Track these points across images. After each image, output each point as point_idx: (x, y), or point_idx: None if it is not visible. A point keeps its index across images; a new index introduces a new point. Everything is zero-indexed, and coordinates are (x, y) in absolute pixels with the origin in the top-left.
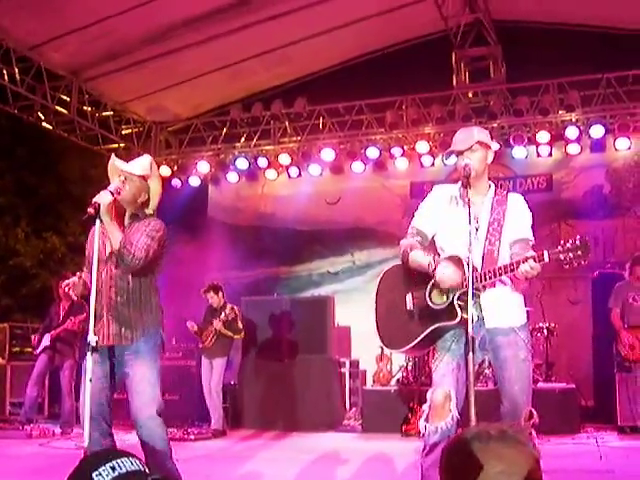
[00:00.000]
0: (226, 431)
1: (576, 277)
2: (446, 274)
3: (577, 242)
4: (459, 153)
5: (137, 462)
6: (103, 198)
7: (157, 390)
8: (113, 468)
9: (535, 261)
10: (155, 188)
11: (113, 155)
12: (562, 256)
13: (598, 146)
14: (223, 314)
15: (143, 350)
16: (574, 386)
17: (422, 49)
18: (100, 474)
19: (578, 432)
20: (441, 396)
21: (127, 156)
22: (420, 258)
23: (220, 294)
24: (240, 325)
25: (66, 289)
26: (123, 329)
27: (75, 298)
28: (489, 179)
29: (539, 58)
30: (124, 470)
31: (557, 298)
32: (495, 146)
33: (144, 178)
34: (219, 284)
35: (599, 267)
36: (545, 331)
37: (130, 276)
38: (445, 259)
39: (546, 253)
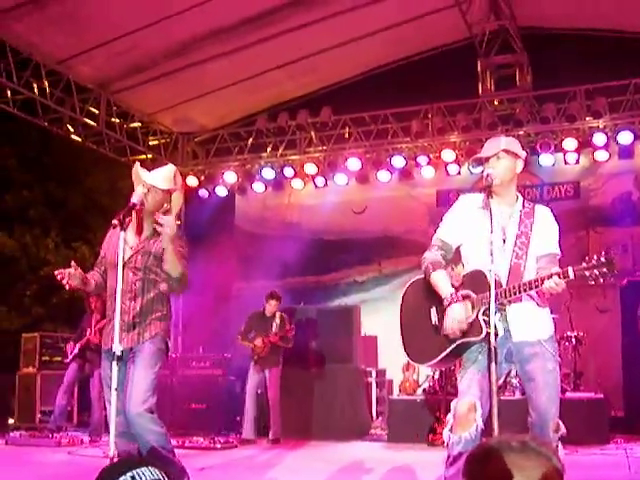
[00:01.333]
0: (281, 440)
1: (605, 285)
2: (451, 324)
3: (602, 258)
4: (484, 160)
5: (156, 471)
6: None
7: (150, 393)
8: (133, 477)
9: (560, 277)
10: (177, 198)
11: (137, 163)
12: (587, 272)
13: (626, 152)
14: (275, 325)
15: (145, 351)
16: (603, 396)
17: (447, 57)
18: None
19: (607, 443)
20: (465, 406)
21: (155, 167)
22: (440, 285)
23: (277, 302)
24: (292, 335)
25: (58, 277)
26: (132, 332)
27: (68, 287)
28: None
29: (566, 64)
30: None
31: (585, 306)
32: (524, 154)
33: (168, 191)
34: (279, 293)
35: (628, 275)
36: (573, 340)
37: (151, 284)
38: (462, 297)
39: (571, 270)
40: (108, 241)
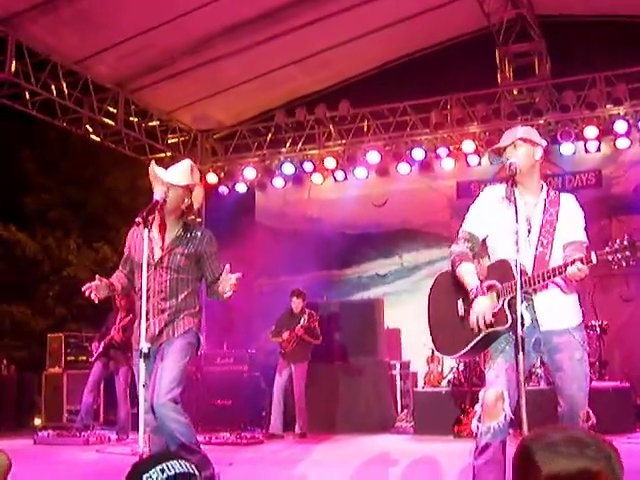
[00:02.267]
0: (307, 434)
1: (628, 274)
2: (477, 317)
3: (625, 242)
4: (502, 150)
5: (186, 464)
6: None
7: (175, 384)
8: (162, 470)
9: (582, 263)
10: (197, 193)
11: (153, 163)
12: (610, 257)
13: None
14: (303, 320)
15: (177, 344)
16: (628, 384)
17: (465, 47)
18: (150, 476)
19: (634, 431)
20: (493, 396)
21: (172, 165)
22: (466, 278)
23: (301, 299)
24: (319, 330)
25: (87, 293)
26: (166, 329)
27: (96, 301)
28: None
29: (584, 52)
30: (172, 472)
31: (609, 296)
32: (543, 143)
33: (187, 187)
34: (302, 290)
35: None
36: (598, 329)
37: (183, 283)
38: (487, 287)
39: (594, 255)
40: (133, 240)
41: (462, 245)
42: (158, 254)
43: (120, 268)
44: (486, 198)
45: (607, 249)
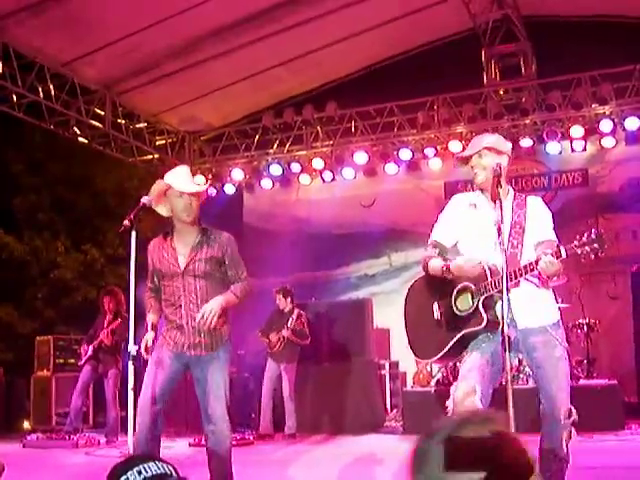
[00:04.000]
0: (296, 435)
1: (615, 272)
2: (459, 264)
3: (592, 235)
4: (467, 158)
5: (163, 465)
6: None
7: (228, 394)
8: (139, 472)
9: (553, 256)
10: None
11: (165, 179)
12: (579, 250)
13: (633, 138)
14: (290, 320)
15: (222, 358)
16: (616, 382)
17: (451, 48)
18: (127, 478)
19: (622, 429)
20: (462, 390)
21: (162, 167)
22: (436, 264)
23: (289, 299)
24: (307, 331)
25: (147, 357)
26: (205, 339)
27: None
28: (509, 182)
29: (570, 52)
30: (149, 474)
31: (597, 293)
32: (509, 150)
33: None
34: (289, 288)
35: (638, 261)
36: (585, 327)
37: (211, 289)
38: (461, 287)
39: (562, 249)
40: (154, 253)
41: (431, 251)
42: (183, 263)
43: (149, 286)
44: (454, 206)
45: (575, 242)
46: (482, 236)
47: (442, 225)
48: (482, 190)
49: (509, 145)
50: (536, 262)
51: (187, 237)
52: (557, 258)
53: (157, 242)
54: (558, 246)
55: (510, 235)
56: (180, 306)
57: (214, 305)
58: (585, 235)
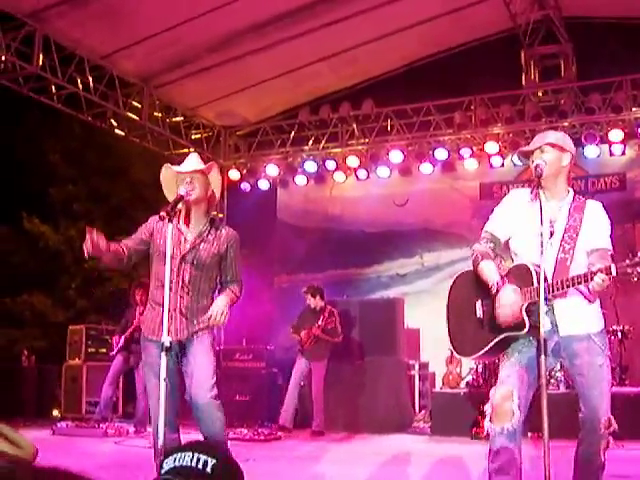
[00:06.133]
0: (324, 432)
1: None
2: (504, 310)
3: None
4: (528, 153)
5: (198, 458)
6: None
7: (214, 380)
8: (175, 460)
9: (603, 273)
10: (215, 179)
11: (167, 166)
12: (630, 270)
13: None
14: (322, 319)
15: (206, 342)
16: None
17: (490, 48)
18: (166, 462)
19: None
20: (501, 395)
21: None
22: (487, 273)
23: (318, 297)
24: (339, 329)
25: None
26: (190, 323)
27: (86, 255)
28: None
29: (611, 54)
30: (179, 464)
31: (631, 300)
32: (573, 149)
33: (203, 172)
34: (319, 286)
35: None
36: (619, 334)
37: (204, 279)
38: (509, 286)
39: (613, 267)
40: (157, 228)
41: (484, 244)
42: (184, 248)
43: (129, 241)
44: (511, 200)
45: (627, 261)
46: (536, 235)
47: (498, 218)
48: (542, 187)
49: (572, 144)
50: (585, 276)
51: (195, 223)
52: (607, 275)
53: (164, 224)
54: (613, 258)
55: (562, 239)
56: (170, 289)
57: (222, 306)
58: (639, 254)
